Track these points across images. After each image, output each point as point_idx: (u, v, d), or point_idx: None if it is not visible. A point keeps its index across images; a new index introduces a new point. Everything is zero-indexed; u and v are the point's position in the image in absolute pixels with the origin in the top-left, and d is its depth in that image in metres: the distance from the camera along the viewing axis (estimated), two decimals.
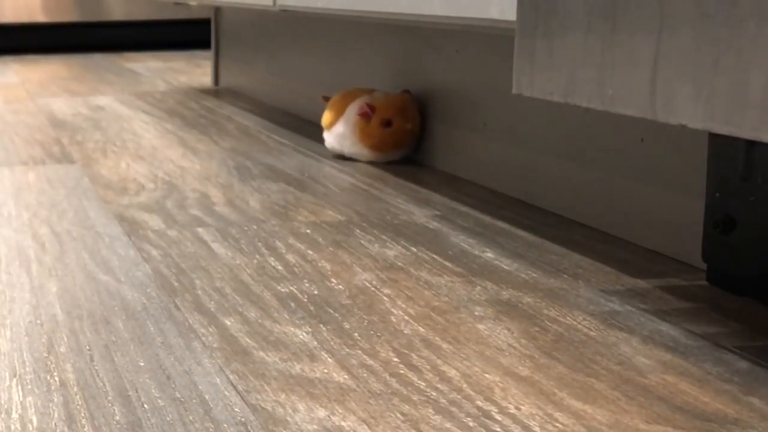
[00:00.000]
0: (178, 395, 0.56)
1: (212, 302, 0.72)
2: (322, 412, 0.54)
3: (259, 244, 0.88)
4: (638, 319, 0.69)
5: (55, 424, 0.53)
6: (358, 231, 0.92)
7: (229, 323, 0.68)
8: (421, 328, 0.67)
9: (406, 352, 0.63)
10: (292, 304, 0.72)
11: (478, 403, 0.55)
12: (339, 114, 1.26)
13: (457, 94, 1.17)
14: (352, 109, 1.24)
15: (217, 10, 2.17)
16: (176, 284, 0.77)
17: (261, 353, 0.62)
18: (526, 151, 1.03)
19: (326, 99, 1.30)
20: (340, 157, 1.28)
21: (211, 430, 0.52)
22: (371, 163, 1.25)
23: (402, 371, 0.60)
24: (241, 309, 0.71)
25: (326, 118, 1.28)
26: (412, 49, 1.28)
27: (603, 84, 0.62)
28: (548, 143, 1.00)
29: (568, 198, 0.96)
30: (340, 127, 1.25)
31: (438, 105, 1.21)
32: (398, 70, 1.32)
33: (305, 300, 0.73)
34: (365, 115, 1.22)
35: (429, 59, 1.23)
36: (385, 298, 0.73)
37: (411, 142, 1.24)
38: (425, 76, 1.24)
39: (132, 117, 1.70)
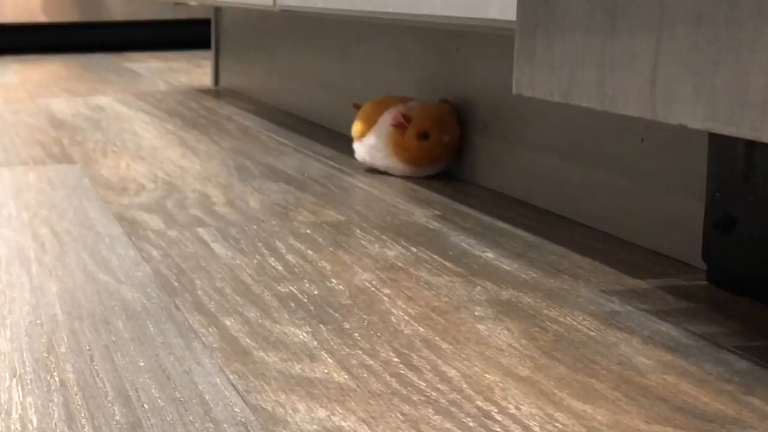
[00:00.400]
0: (178, 395, 0.56)
1: (212, 302, 0.72)
2: (322, 412, 0.54)
3: (259, 244, 0.88)
4: (638, 319, 0.69)
5: (55, 424, 0.53)
6: (358, 231, 0.92)
7: (229, 323, 0.68)
8: (421, 328, 0.67)
9: (406, 352, 0.63)
10: (292, 304, 0.72)
11: (478, 403, 0.55)
12: (370, 124, 1.17)
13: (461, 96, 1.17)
14: (386, 119, 1.15)
15: (217, 10, 2.17)
16: (176, 284, 0.77)
17: (261, 353, 0.62)
18: (528, 151, 1.03)
19: (357, 107, 1.21)
20: (372, 171, 1.19)
21: (211, 430, 0.52)
22: (405, 177, 1.15)
23: (402, 371, 0.60)
24: (241, 309, 0.71)
25: (357, 127, 1.18)
26: (416, 49, 1.28)
27: (603, 84, 0.62)
28: (548, 143, 1.00)
29: (568, 198, 0.97)
30: (371, 139, 1.16)
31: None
32: (400, 71, 1.32)
33: (305, 300, 0.73)
34: (400, 126, 1.13)
35: (432, 61, 1.23)
36: (385, 298, 0.73)
37: (449, 156, 1.15)
38: (430, 78, 1.24)
39: (132, 117, 1.70)
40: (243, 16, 2.00)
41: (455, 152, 1.15)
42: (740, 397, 0.56)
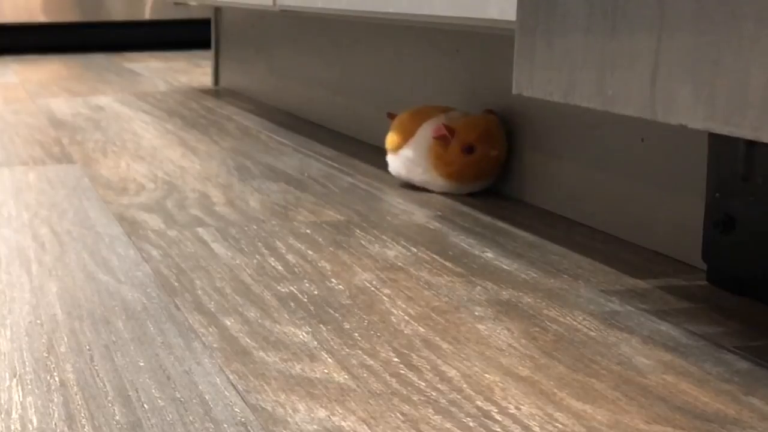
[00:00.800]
0: (178, 395, 0.56)
1: (212, 302, 0.72)
2: (322, 412, 0.54)
3: (259, 244, 0.88)
4: (638, 319, 0.69)
5: (55, 424, 0.53)
6: (358, 231, 0.92)
7: (229, 323, 0.68)
8: (421, 328, 0.67)
9: (406, 352, 0.63)
10: (292, 304, 0.72)
11: (478, 403, 0.55)
12: (408, 135, 1.08)
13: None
14: (426, 131, 1.06)
15: (217, 10, 2.17)
16: (176, 284, 0.77)
17: (261, 353, 0.62)
18: (530, 152, 1.03)
19: (391, 116, 1.13)
20: (409, 186, 1.10)
21: (211, 430, 0.52)
22: (445, 194, 1.07)
23: (402, 371, 0.60)
24: (241, 309, 0.71)
25: (392, 139, 1.10)
26: (417, 49, 1.28)
27: (603, 84, 0.62)
28: (549, 144, 1.00)
29: (569, 198, 0.97)
30: (409, 151, 1.07)
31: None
32: (401, 71, 1.32)
33: (305, 300, 0.73)
34: (443, 138, 1.04)
35: (432, 61, 1.23)
36: (385, 298, 0.73)
37: (495, 171, 1.06)
38: (430, 78, 1.24)
39: (132, 117, 1.70)
40: (243, 16, 2.00)
41: (501, 167, 1.07)
42: (740, 397, 0.56)
